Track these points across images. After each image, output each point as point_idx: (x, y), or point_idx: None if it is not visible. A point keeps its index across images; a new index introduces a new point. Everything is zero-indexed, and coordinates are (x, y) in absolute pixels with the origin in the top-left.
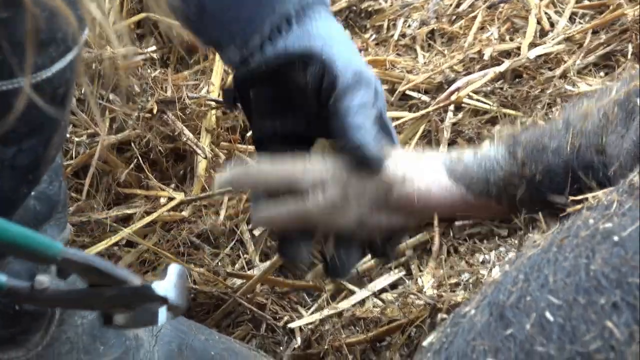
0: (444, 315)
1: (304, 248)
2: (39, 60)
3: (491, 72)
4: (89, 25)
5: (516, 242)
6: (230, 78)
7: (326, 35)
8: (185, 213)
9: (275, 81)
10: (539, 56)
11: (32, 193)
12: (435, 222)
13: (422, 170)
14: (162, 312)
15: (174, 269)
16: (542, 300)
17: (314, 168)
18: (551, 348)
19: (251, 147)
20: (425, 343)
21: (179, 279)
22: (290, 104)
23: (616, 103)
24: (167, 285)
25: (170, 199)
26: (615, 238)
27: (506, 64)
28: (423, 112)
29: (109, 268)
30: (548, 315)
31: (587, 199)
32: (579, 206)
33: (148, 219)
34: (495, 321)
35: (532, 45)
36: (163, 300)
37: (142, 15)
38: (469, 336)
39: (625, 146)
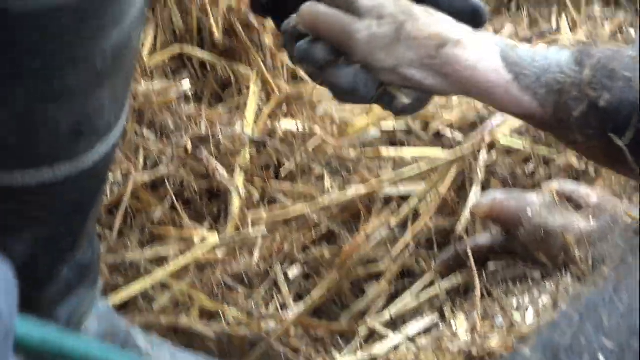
0: None
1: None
2: (80, 148)
3: None
4: None
5: (550, 285)
6: None
7: None
8: (219, 253)
9: None
10: None
11: (68, 264)
12: (473, 266)
13: (478, 42)
14: None
15: None
16: (595, 343)
17: None
18: None
19: (285, 185)
20: None
21: None
22: None
23: None
24: None
25: (204, 239)
26: None
27: None
28: (458, 153)
29: None
30: (601, 358)
31: None
32: None
33: (182, 261)
34: None
35: None
36: None
37: (177, 48)
38: None
39: None
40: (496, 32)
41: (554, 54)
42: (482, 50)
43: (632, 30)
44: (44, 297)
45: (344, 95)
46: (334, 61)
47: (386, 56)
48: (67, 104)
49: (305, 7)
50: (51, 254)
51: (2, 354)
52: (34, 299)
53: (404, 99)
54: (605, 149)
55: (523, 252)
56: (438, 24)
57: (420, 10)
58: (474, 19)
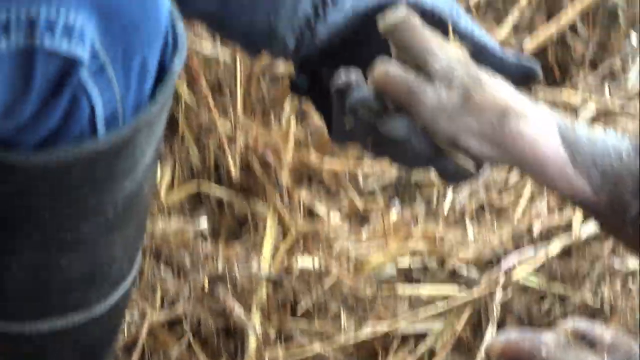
0: None
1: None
2: (93, 296)
3: (542, 252)
4: None
5: None
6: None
7: None
8: None
9: (351, 49)
10: (591, 235)
11: None
12: None
13: (539, 117)
14: None
15: None
16: None
17: (452, 55)
18: None
19: (303, 323)
20: None
21: None
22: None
23: None
24: None
25: None
26: None
27: (557, 245)
28: (474, 292)
29: None
30: None
31: None
32: None
33: None
34: None
35: (584, 221)
36: None
37: (194, 186)
38: None
39: None
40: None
41: (613, 140)
42: (543, 126)
43: None
44: None
45: (396, 149)
46: (389, 111)
47: (450, 123)
48: (78, 254)
49: (378, 64)
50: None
51: None
52: None
53: (460, 160)
54: None
55: None
56: (503, 92)
57: (486, 77)
58: (524, 80)
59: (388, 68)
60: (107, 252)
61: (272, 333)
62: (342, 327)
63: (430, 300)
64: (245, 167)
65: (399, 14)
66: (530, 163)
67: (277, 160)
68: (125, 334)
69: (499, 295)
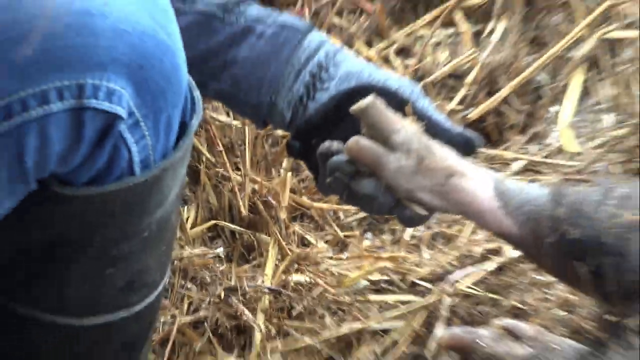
0: None
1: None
2: (134, 299)
3: (481, 270)
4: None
5: None
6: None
7: (366, 68)
8: None
9: (334, 122)
10: (520, 255)
11: None
12: None
13: (477, 175)
14: None
15: None
16: None
17: (409, 130)
18: None
19: (296, 323)
20: None
21: None
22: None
23: None
24: None
25: None
26: None
27: (492, 263)
28: (428, 299)
29: None
30: None
31: None
32: None
33: None
34: None
35: None
36: None
37: (212, 222)
38: None
39: None
40: None
41: (535, 189)
42: (480, 182)
43: None
44: None
45: (365, 202)
46: (360, 173)
47: (407, 183)
48: (122, 265)
49: (351, 140)
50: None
51: None
52: None
53: (416, 209)
54: (569, 272)
55: None
56: (449, 158)
57: (437, 147)
58: (467, 147)
59: (359, 141)
60: (143, 264)
61: (273, 330)
62: (327, 325)
63: (395, 306)
64: (252, 208)
65: (366, 100)
66: (470, 211)
67: (277, 202)
68: (160, 332)
69: (447, 301)
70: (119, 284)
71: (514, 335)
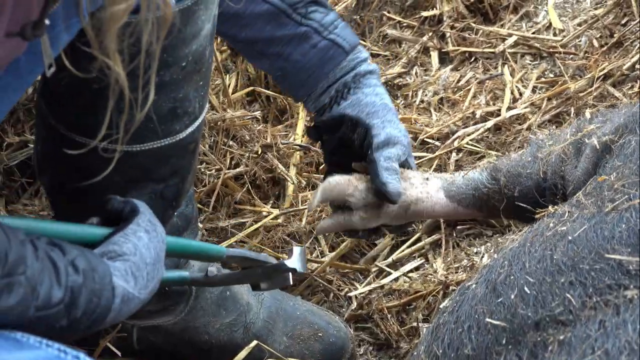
0: (453, 288)
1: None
2: (177, 126)
3: (481, 127)
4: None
5: (498, 239)
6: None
7: (370, 103)
8: (279, 220)
9: (334, 132)
10: (512, 116)
11: (175, 213)
12: (442, 228)
13: (428, 194)
14: (290, 277)
15: (297, 250)
16: (521, 279)
17: (360, 192)
18: (529, 311)
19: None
20: (441, 306)
21: (301, 255)
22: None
23: (571, 143)
24: (294, 260)
25: (269, 213)
26: (569, 237)
27: (491, 122)
28: (436, 154)
29: (257, 256)
30: (526, 289)
31: (548, 210)
32: (543, 213)
33: (255, 226)
34: (489, 292)
35: (508, 108)
36: (293, 271)
37: (250, 88)
38: (472, 302)
39: (577, 174)
40: (462, 77)
41: (477, 176)
42: (432, 196)
43: (550, 75)
44: None
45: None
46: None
47: (375, 224)
48: (165, 93)
49: (318, 228)
50: (162, 204)
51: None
52: None
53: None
54: (510, 212)
55: (480, 219)
56: (401, 196)
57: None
58: (386, 198)
59: (323, 226)
60: (183, 93)
61: (303, 182)
62: None
63: None
64: None
65: (315, 197)
66: (433, 217)
67: None
68: (207, 184)
69: (453, 157)
70: (162, 112)
71: None
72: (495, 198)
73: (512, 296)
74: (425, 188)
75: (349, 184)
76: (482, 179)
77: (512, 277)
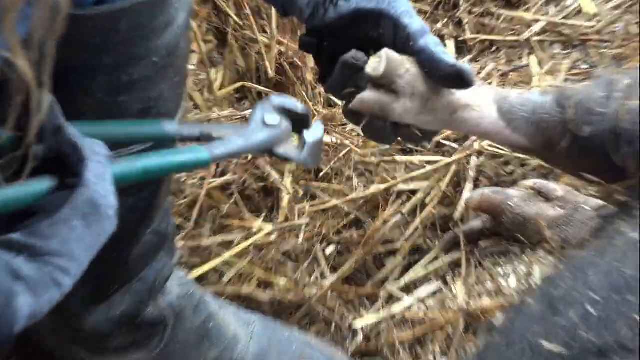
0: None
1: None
2: None
3: None
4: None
5: (526, 258)
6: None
7: None
8: (272, 237)
9: (346, 33)
10: None
11: (148, 230)
12: (462, 245)
13: (479, 105)
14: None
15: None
16: (584, 296)
17: (411, 73)
18: (591, 335)
19: (324, 184)
20: (494, 322)
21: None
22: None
23: None
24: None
25: (261, 229)
26: None
27: None
28: (453, 158)
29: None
30: (589, 307)
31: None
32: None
33: (244, 244)
34: (547, 309)
35: None
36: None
37: (240, 84)
38: (527, 321)
39: None
40: (482, 68)
41: (538, 98)
42: (483, 108)
43: (584, 66)
44: (132, 259)
45: (373, 133)
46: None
47: (414, 120)
48: (135, 92)
49: (357, 99)
50: (134, 219)
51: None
52: (122, 259)
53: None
54: (586, 167)
55: (506, 234)
56: (451, 95)
57: (437, 87)
58: (461, 81)
59: (363, 98)
60: (156, 91)
61: (300, 192)
62: (353, 186)
63: (421, 166)
64: (279, 69)
65: (382, 64)
66: (476, 134)
67: (303, 64)
68: (189, 195)
69: (473, 161)
70: (132, 113)
71: (543, 195)
72: (557, 130)
73: (573, 316)
74: (476, 97)
75: (402, 64)
76: (544, 103)
77: (574, 293)
